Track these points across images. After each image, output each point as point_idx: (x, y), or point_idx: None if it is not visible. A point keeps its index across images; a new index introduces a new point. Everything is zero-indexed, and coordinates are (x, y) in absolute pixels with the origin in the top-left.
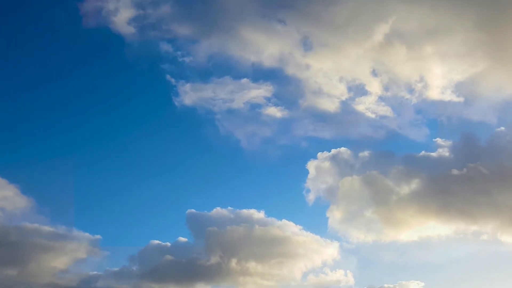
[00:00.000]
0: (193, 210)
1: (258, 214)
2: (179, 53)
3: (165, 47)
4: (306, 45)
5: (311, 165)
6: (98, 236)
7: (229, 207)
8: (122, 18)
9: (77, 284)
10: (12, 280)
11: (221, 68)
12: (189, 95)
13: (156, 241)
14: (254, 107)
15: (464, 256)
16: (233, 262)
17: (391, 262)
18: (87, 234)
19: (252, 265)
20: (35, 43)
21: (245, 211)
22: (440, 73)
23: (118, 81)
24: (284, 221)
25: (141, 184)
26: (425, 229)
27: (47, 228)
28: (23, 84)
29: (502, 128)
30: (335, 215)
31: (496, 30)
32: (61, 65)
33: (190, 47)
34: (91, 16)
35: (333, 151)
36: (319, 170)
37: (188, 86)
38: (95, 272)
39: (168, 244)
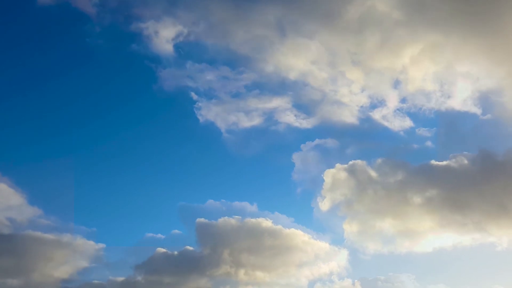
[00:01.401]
0: (202, 219)
1: (266, 222)
2: (206, 72)
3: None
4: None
5: (328, 175)
6: (102, 245)
7: (236, 216)
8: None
9: None
10: None
11: (249, 84)
12: (210, 108)
13: (163, 250)
14: (273, 116)
15: (479, 267)
16: (241, 272)
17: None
18: (91, 242)
19: (259, 274)
20: (36, 43)
21: (253, 220)
22: (461, 85)
23: (115, 82)
24: (293, 229)
25: (148, 192)
26: (440, 240)
27: (51, 236)
28: (24, 85)
29: None
30: (350, 226)
31: None
32: (61, 65)
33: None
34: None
35: (350, 162)
36: (335, 180)
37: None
38: (98, 281)
39: (175, 252)
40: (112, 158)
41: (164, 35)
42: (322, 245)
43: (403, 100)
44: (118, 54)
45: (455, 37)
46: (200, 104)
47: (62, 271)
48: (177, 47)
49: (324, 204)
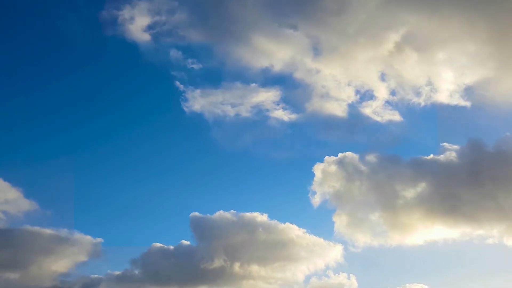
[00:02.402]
0: (196, 214)
1: (261, 217)
2: (189, 60)
3: (176, 53)
4: (316, 50)
5: (318, 169)
6: (99, 239)
7: (232, 210)
8: (138, 26)
9: None
10: (13, 283)
11: (230, 74)
12: (197, 100)
13: (159, 244)
14: (262, 111)
15: (470, 260)
16: (236, 266)
17: (396, 266)
18: (88, 237)
19: (255, 268)
20: (37, 44)
21: (248, 214)
22: (448, 77)
23: (120, 82)
24: (287, 224)
25: (144, 187)
26: (431, 233)
27: (48, 231)
28: (27, 85)
29: (509, 133)
30: (341, 219)
31: (506, 38)
32: (61, 65)
33: (201, 53)
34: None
35: (340, 155)
36: (325, 174)
37: (197, 92)
38: (96, 276)
39: (171, 247)
40: (107, 154)
41: (140, 22)
42: (316, 240)
43: (392, 93)
44: (97, 42)
45: (438, 20)
46: (186, 95)
47: (60, 265)
48: (155, 35)
49: (315, 199)
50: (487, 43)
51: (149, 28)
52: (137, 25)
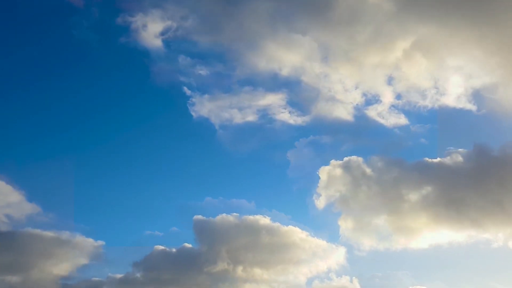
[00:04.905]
0: (200, 216)
1: (264, 220)
2: (198, 67)
3: (184, 60)
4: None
5: (323, 172)
6: (101, 242)
7: (235, 213)
8: (150, 32)
9: None
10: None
11: (239, 79)
12: (204, 105)
13: (161, 247)
14: (268, 114)
15: (475, 264)
16: (239, 269)
17: (401, 270)
18: (90, 240)
19: (257, 271)
20: (38, 43)
21: (251, 217)
22: (455, 81)
23: (128, 88)
24: (290, 227)
25: (146, 190)
26: (436, 237)
27: (50, 234)
28: (22, 83)
29: None
30: (346, 222)
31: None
32: (61, 66)
33: (211, 58)
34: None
35: (345, 158)
36: (330, 177)
37: (205, 97)
38: (98, 278)
39: (174, 249)
40: (110, 157)
41: (152, 29)
42: (319, 243)
43: (398, 97)
44: (110, 49)
45: (447, 30)
46: (193, 99)
47: (62, 268)
48: (167, 42)
49: (320, 202)
50: (495, 51)
51: (161, 34)
52: (150, 32)
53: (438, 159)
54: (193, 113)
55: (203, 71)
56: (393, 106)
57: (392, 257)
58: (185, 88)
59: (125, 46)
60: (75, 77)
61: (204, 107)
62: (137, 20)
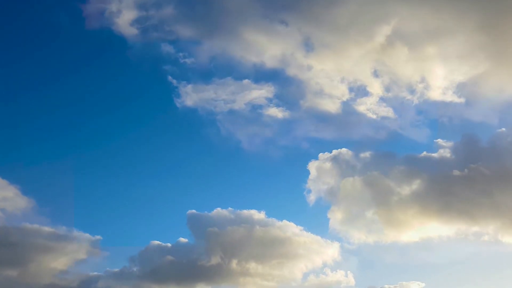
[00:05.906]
0: (194, 211)
1: (258, 215)
2: (181, 54)
3: (167, 48)
4: (308, 46)
5: (312, 166)
6: (98, 237)
7: (230, 208)
8: (125, 20)
9: (78, 285)
10: (12, 281)
11: (222, 69)
12: (190, 96)
13: (157, 242)
14: (255, 107)
15: (465, 257)
16: (234, 263)
17: (392, 263)
18: (87, 235)
19: (252, 265)
20: (35, 43)
21: (246, 212)
22: (441, 74)
23: (119, 82)
24: (285, 221)
25: (141, 185)
26: (426, 230)
27: (47, 229)
28: (24, 84)
29: (503, 129)
30: (336, 216)
31: (498, 32)
32: (61, 66)
33: (192, 48)
34: (93, 17)
35: (334, 151)
36: (320, 171)
37: (189, 87)
38: (95, 273)
39: (169, 244)
40: (107, 155)
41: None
42: (314, 238)
43: (387, 89)
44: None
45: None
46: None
47: (59, 263)
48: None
49: (310, 197)
50: (478, 34)
51: (136, 22)
52: (124, 19)
53: (426, 152)
54: (178, 104)
55: (186, 59)
56: (382, 99)
57: (383, 250)
58: (170, 77)
59: (99, 32)
60: (80, 81)
61: (189, 98)
62: (112, 6)
